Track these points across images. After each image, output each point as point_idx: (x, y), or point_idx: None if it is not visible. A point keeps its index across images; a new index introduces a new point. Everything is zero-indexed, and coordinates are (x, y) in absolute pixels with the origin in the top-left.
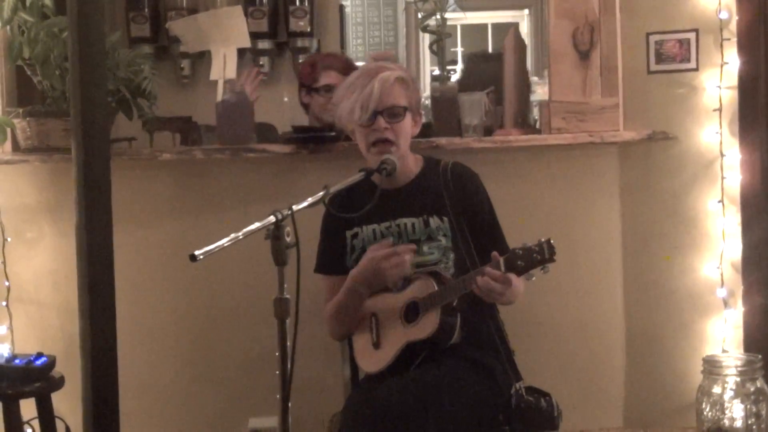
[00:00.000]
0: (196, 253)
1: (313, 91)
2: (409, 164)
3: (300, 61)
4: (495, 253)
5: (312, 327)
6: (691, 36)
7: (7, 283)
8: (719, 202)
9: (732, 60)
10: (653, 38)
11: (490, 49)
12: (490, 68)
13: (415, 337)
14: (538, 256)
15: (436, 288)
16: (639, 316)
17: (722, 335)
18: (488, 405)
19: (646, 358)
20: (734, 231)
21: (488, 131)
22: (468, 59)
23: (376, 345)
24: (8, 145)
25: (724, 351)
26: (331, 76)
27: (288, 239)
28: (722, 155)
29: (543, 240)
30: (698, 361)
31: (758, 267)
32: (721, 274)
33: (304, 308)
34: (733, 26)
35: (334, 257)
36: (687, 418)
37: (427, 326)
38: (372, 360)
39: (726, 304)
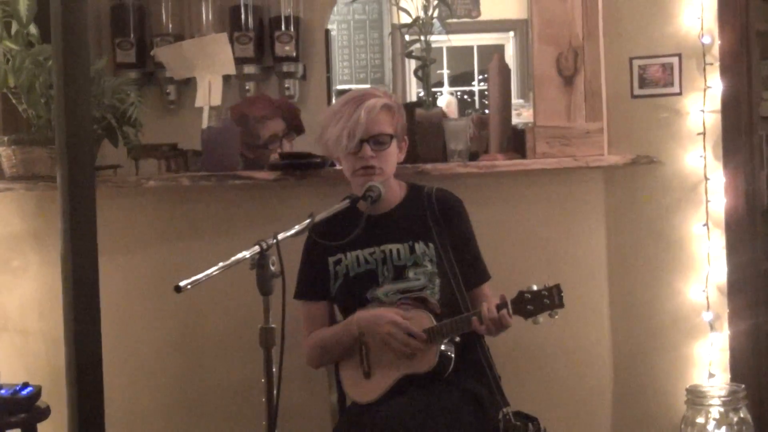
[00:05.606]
0: (182, 284)
1: (259, 148)
2: (394, 190)
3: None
4: (503, 295)
5: (298, 354)
6: (674, 60)
7: None
8: (704, 225)
9: (715, 84)
10: (637, 63)
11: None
12: None
13: (413, 371)
14: (548, 301)
15: (435, 323)
16: (625, 340)
17: (708, 359)
18: (476, 431)
19: (633, 382)
20: (719, 254)
21: (473, 156)
22: None
23: (367, 375)
24: None
25: (710, 375)
26: (270, 126)
27: (273, 268)
28: (706, 179)
29: (552, 285)
30: (685, 384)
31: (743, 290)
32: (707, 298)
33: (290, 336)
34: (716, 51)
35: (315, 284)
36: None
37: (425, 361)
38: (363, 389)
39: (712, 327)
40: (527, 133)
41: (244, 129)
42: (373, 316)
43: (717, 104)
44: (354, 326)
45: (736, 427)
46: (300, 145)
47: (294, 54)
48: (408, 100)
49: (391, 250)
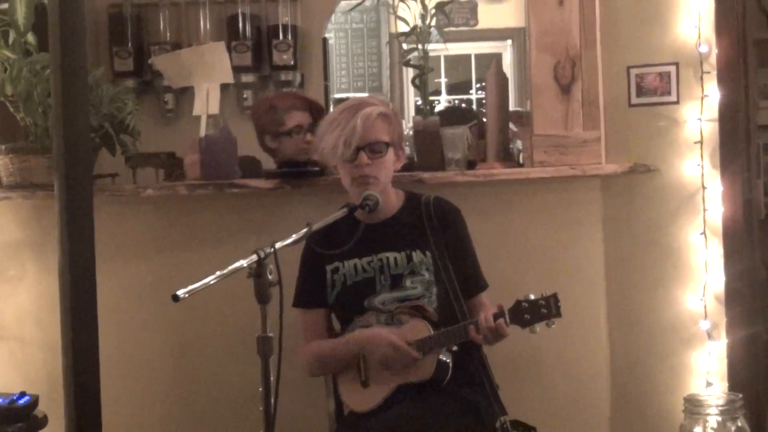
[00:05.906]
0: (179, 292)
1: (282, 135)
2: (391, 199)
3: (254, 104)
4: (500, 304)
5: (296, 363)
6: (672, 69)
7: None
8: (701, 234)
9: (712, 93)
10: (634, 71)
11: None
12: None
13: (409, 380)
14: (545, 311)
15: (432, 332)
16: (623, 349)
17: (706, 367)
18: None
19: (631, 390)
20: (717, 263)
21: (471, 165)
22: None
23: (365, 383)
24: None
25: (708, 384)
26: (297, 116)
27: (270, 277)
28: (704, 187)
29: (549, 294)
30: (682, 393)
31: (741, 299)
32: (704, 306)
33: (288, 345)
34: (713, 59)
35: (313, 292)
36: None
37: (422, 370)
38: (360, 398)
39: (709, 336)
40: (525, 141)
41: (272, 118)
42: (372, 338)
43: (714, 113)
44: (353, 345)
45: None
46: None
47: (292, 62)
48: (406, 109)
49: (388, 259)
